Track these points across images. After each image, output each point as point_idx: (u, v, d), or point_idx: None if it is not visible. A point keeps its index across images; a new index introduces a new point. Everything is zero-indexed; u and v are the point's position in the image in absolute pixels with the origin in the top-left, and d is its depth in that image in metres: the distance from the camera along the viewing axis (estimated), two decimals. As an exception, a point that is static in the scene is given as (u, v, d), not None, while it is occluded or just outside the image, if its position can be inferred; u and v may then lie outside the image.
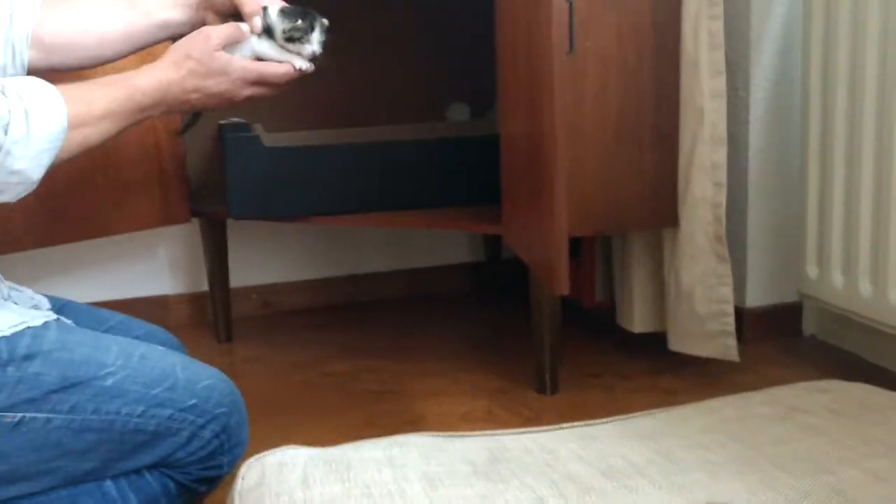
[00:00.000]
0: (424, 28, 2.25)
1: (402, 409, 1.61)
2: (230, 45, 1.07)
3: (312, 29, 1.10)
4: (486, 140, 1.76)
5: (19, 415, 0.90)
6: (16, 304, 1.03)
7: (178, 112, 1.15)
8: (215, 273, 2.03)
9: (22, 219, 1.63)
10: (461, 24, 2.21)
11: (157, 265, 2.19)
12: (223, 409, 1.01)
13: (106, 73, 1.06)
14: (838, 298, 1.64)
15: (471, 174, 1.85)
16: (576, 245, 2.01)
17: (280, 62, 1.10)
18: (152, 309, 2.13)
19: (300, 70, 1.11)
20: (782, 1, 1.79)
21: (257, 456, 0.93)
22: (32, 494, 0.94)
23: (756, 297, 1.90)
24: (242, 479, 0.88)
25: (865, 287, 1.56)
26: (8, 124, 0.86)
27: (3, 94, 0.88)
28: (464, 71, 2.24)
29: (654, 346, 1.78)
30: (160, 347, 1.07)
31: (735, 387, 1.60)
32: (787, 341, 1.89)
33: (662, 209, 1.61)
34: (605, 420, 1.08)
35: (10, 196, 0.91)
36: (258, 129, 1.87)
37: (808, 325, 1.94)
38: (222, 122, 1.85)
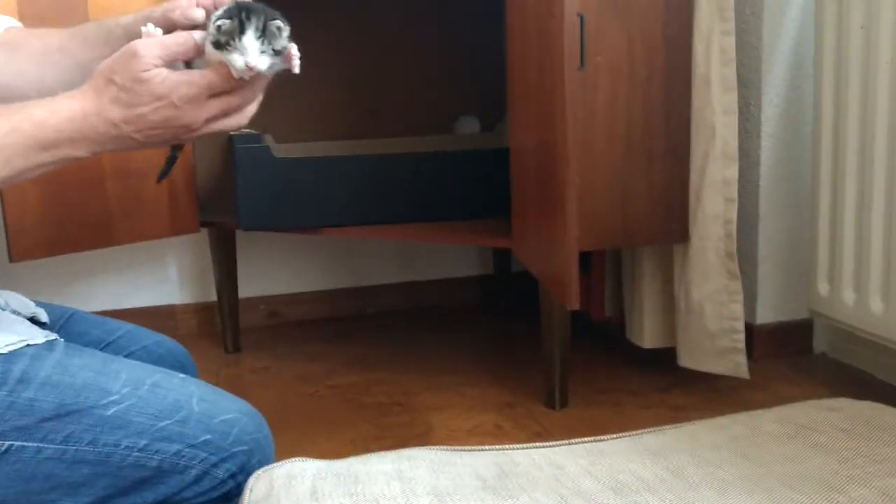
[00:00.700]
0: (436, 41, 2.26)
1: (411, 422, 1.61)
2: (178, 61, 0.83)
3: (242, 31, 0.79)
4: (495, 153, 1.76)
5: (7, 443, 0.82)
6: (16, 312, 0.97)
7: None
8: (223, 283, 2.04)
9: (31, 228, 1.63)
10: (472, 37, 2.22)
11: (165, 275, 2.19)
12: (243, 447, 0.91)
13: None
14: (849, 316, 1.63)
15: (480, 187, 1.86)
16: (586, 258, 2.00)
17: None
18: (160, 319, 2.13)
19: (250, 69, 0.80)
20: (794, 17, 1.79)
21: (265, 468, 0.93)
22: None
23: (767, 314, 1.90)
24: (251, 491, 0.87)
25: (876, 305, 1.55)
26: None
27: None
28: (474, 84, 2.25)
29: (663, 362, 1.77)
30: (180, 375, 0.97)
31: (745, 404, 1.60)
32: (797, 359, 1.88)
33: (673, 224, 1.61)
34: (614, 436, 1.07)
35: None
36: (268, 139, 1.88)
37: (819, 343, 1.93)
38: (232, 132, 1.86)
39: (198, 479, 0.89)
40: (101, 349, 1.04)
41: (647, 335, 1.79)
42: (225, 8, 0.83)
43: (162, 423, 0.87)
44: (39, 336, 0.91)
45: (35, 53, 1.03)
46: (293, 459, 0.97)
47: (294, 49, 0.85)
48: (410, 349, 2.05)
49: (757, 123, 1.82)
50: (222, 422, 0.90)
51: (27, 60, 1.02)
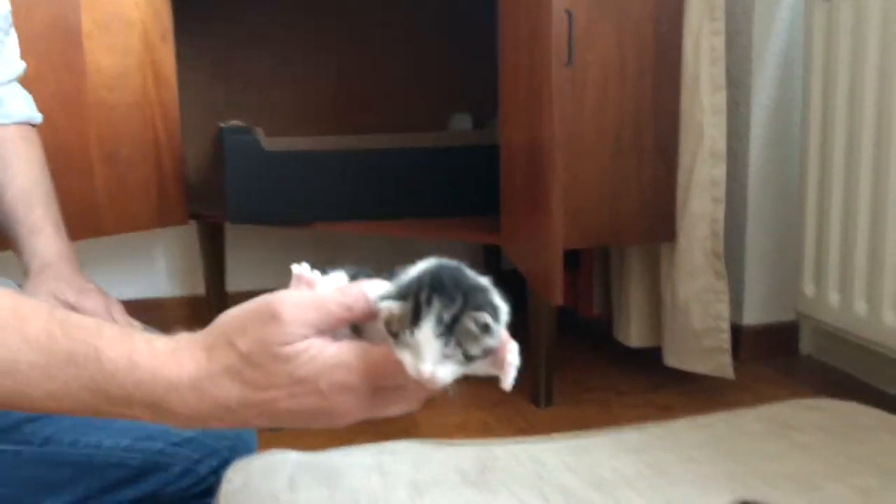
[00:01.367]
0: (430, 37, 2.26)
1: (397, 417, 1.61)
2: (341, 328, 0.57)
3: (417, 320, 0.52)
4: (486, 150, 1.76)
5: None
6: None
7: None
8: (212, 276, 2.03)
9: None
10: (466, 34, 2.22)
11: (153, 267, 2.19)
12: (226, 443, 0.89)
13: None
14: (834, 318, 1.63)
15: (472, 184, 1.86)
16: (574, 256, 2.00)
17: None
18: (148, 311, 2.13)
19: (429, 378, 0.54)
20: (784, 17, 1.80)
21: (244, 459, 0.93)
22: None
23: (753, 315, 1.90)
24: (228, 482, 0.87)
25: (861, 307, 1.56)
26: None
27: None
28: (468, 81, 2.25)
29: (650, 361, 1.77)
30: None
31: (731, 404, 1.60)
32: (783, 360, 1.89)
33: (660, 223, 1.61)
34: (597, 432, 1.07)
35: None
36: (259, 132, 1.88)
37: (805, 345, 1.93)
38: (223, 124, 1.86)
39: (181, 476, 0.88)
40: None
41: (634, 334, 1.79)
42: (406, 277, 0.54)
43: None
44: None
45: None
46: (273, 450, 0.96)
47: (512, 353, 0.56)
48: (398, 345, 2.05)
49: (746, 123, 1.82)
50: None
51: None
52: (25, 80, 1.10)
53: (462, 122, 2.31)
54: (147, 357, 0.56)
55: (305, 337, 0.55)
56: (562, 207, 1.28)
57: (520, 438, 1.09)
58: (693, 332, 1.62)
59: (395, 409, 0.61)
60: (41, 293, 0.92)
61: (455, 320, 0.52)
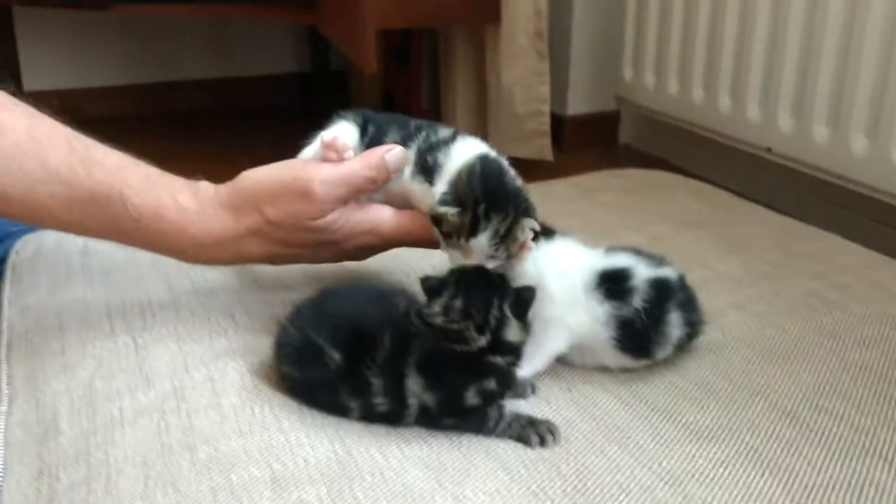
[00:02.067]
0: None
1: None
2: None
3: (475, 232, 0.57)
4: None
5: None
6: None
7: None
8: (3, 73, 1.85)
9: None
10: None
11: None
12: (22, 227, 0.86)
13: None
14: (650, 100, 1.69)
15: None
16: (404, 53, 1.97)
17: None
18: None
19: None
20: None
21: (36, 233, 0.87)
22: None
23: (577, 106, 1.94)
24: (17, 253, 0.82)
25: (674, 87, 1.61)
26: None
27: None
28: None
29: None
30: None
31: (550, 188, 1.65)
32: (604, 149, 1.96)
33: (484, 3, 1.58)
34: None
35: None
36: None
37: (625, 134, 2.01)
38: None
39: None
40: None
41: (461, 124, 1.80)
42: (461, 182, 0.58)
43: None
44: None
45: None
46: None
47: (531, 240, 0.60)
48: (224, 149, 1.96)
49: None
50: None
51: None
52: None
53: None
54: (174, 212, 0.61)
55: (334, 210, 0.60)
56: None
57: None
58: (516, 116, 1.64)
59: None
60: None
61: (508, 232, 0.57)
